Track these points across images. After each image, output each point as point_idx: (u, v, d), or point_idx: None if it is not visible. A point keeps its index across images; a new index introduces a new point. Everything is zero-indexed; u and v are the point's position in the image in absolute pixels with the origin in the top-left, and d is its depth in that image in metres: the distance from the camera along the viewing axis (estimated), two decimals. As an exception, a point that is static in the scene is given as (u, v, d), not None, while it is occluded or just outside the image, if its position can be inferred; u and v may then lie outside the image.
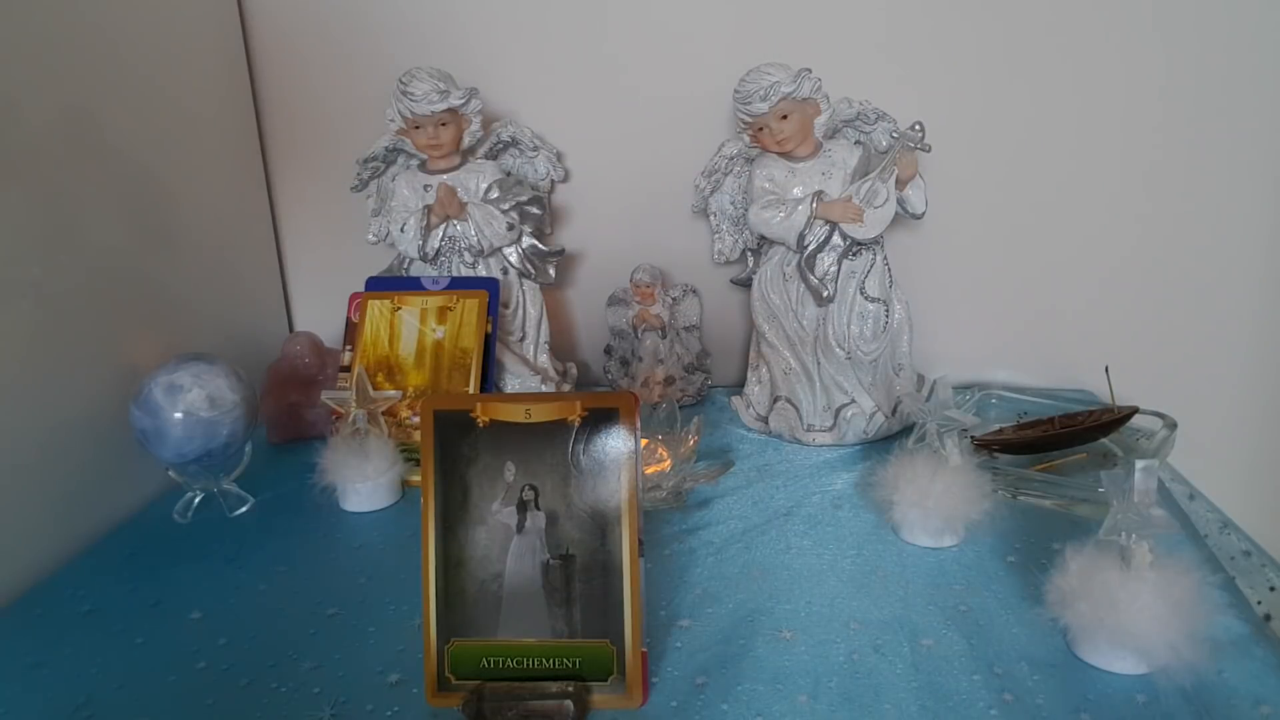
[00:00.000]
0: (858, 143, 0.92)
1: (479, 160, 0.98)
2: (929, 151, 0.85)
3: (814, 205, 0.87)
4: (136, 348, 0.85)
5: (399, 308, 0.93)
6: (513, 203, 0.95)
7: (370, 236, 1.01)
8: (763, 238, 0.93)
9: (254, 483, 0.84)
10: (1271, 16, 0.94)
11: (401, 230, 0.95)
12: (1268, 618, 0.70)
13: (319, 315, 1.13)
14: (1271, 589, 0.73)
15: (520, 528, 0.56)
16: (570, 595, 0.55)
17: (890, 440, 0.91)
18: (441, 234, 0.95)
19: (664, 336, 1.03)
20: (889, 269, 0.91)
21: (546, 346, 1.02)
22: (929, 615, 0.63)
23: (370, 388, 0.86)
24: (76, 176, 0.79)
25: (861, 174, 0.88)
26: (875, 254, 0.90)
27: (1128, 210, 1.02)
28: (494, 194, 0.95)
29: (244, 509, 0.82)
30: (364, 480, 0.81)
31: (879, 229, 0.88)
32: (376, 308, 0.93)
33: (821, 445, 0.92)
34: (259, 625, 0.64)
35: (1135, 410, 0.84)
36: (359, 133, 0.99)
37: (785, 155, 0.90)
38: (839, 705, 0.54)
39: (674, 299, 1.03)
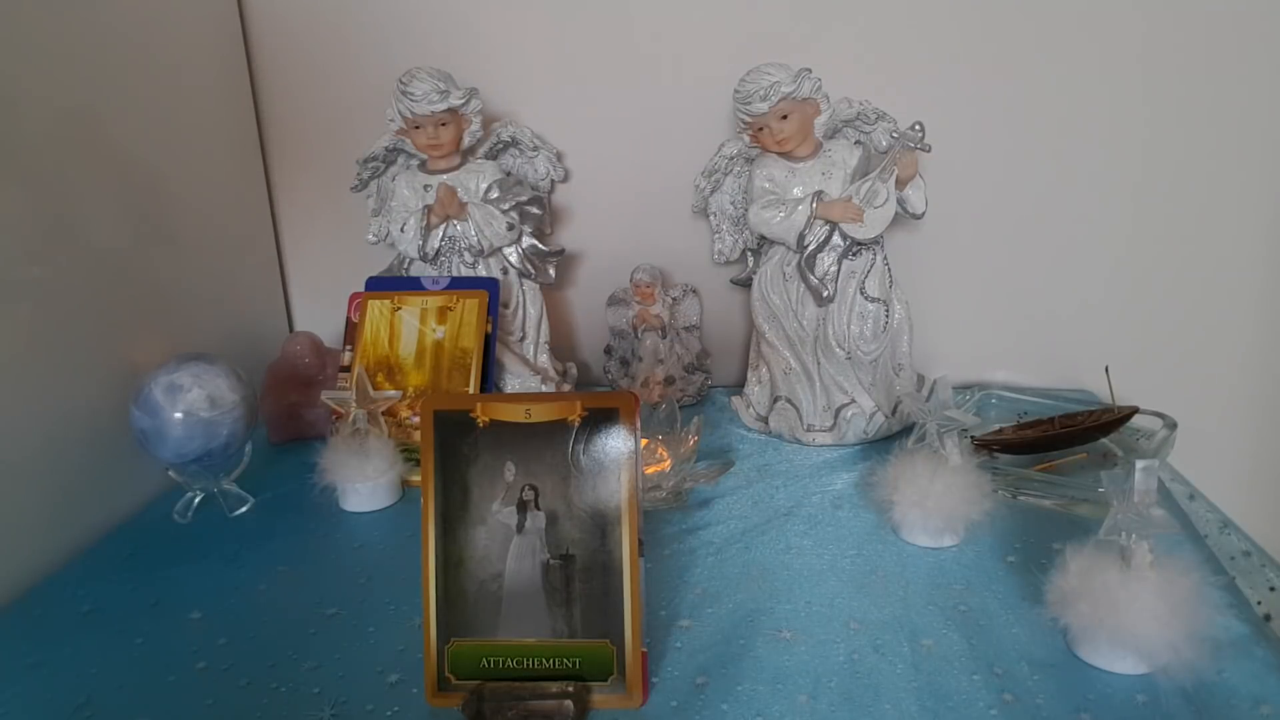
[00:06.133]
0: (858, 143, 0.92)
1: (479, 160, 0.98)
2: (929, 151, 0.85)
3: (814, 205, 0.87)
4: (136, 348, 0.85)
5: (399, 308, 0.93)
6: (513, 203, 0.95)
7: (370, 236, 1.01)
8: (763, 238, 0.93)
9: (254, 483, 0.83)
10: (1270, 12, 0.94)
11: (401, 230, 0.95)
12: (1268, 618, 0.69)
13: (319, 315, 1.13)
14: (1271, 589, 0.73)
15: (520, 528, 0.56)
16: (570, 595, 0.55)
17: (890, 440, 0.91)
18: (441, 234, 0.95)
19: (664, 336, 1.03)
20: (889, 269, 0.91)
21: (546, 346, 1.02)
22: (929, 615, 0.63)
23: (370, 388, 0.86)
24: (76, 176, 0.79)
25: (861, 174, 0.88)
26: (875, 254, 0.90)
27: (1128, 210, 1.02)
28: (494, 194, 0.95)
29: (244, 509, 0.82)
30: (364, 480, 0.81)
31: (879, 229, 0.88)
32: (376, 308, 0.93)
33: (821, 445, 0.92)
34: (259, 625, 0.64)
35: (1135, 410, 0.84)
36: (359, 133, 0.99)
37: (785, 155, 0.90)
38: (839, 705, 0.54)
39: (674, 299, 1.03)
